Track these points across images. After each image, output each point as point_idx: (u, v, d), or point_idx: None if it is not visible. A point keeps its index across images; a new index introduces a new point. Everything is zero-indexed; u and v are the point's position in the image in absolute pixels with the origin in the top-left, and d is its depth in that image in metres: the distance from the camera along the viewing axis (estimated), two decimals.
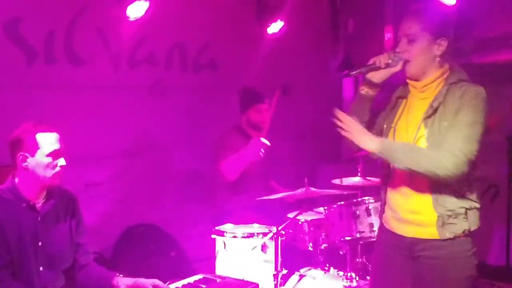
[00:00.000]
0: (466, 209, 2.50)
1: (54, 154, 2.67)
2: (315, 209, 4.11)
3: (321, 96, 6.20)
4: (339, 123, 2.49)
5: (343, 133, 2.49)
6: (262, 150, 4.01)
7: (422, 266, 2.57)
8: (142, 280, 2.75)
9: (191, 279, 2.82)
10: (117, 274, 2.84)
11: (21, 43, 4.02)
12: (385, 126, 2.68)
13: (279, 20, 5.20)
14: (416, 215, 2.56)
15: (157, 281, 2.72)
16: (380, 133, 2.67)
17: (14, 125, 2.73)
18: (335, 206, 3.77)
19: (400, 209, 2.63)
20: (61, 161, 2.70)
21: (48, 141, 2.65)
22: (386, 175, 2.71)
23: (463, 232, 2.49)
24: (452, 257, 2.51)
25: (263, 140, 4.02)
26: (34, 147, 2.64)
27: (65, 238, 2.83)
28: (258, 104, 4.36)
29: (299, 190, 3.60)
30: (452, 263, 2.51)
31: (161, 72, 4.91)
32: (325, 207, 3.83)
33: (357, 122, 2.51)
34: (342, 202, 3.79)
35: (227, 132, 4.44)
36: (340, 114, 2.50)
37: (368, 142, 2.47)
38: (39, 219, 2.71)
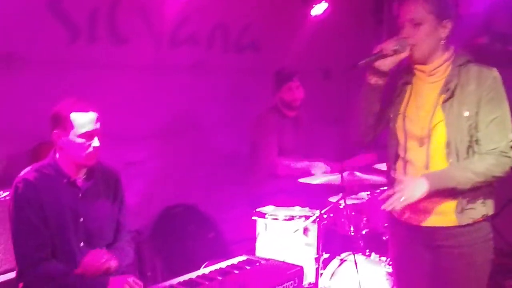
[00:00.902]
0: (484, 193, 2.46)
1: (87, 135, 2.62)
2: (357, 194, 4.05)
3: (363, 80, 6.08)
4: (391, 204, 2.41)
5: (398, 206, 2.41)
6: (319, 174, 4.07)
7: (442, 256, 2.52)
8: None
9: (234, 260, 2.79)
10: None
11: (64, 20, 4.03)
12: (391, 114, 2.62)
13: (323, 1, 5.11)
14: (434, 204, 2.48)
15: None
16: (387, 122, 2.62)
17: (54, 102, 2.70)
18: (378, 191, 3.70)
19: None
20: (95, 142, 2.65)
21: (82, 121, 2.61)
22: (393, 165, 2.64)
23: (482, 216, 2.47)
24: (473, 243, 2.48)
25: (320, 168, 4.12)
26: (68, 126, 2.60)
27: (106, 215, 2.81)
28: (288, 82, 4.37)
29: (344, 174, 3.53)
30: (473, 249, 2.48)
31: (202, 53, 4.88)
32: (368, 192, 3.76)
33: (397, 189, 2.44)
34: (386, 188, 3.71)
35: (264, 113, 4.44)
36: (384, 195, 2.47)
37: (419, 190, 2.38)
38: (80, 195, 2.70)
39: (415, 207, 2.49)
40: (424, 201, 2.45)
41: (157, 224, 4.60)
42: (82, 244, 2.69)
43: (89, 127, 2.62)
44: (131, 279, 2.53)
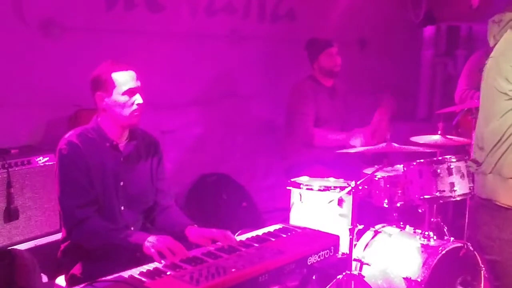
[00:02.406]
0: None
1: (130, 92, 2.64)
2: (392, 167, 4.02)
3: (399, 52, 5.99)
4: None
5: None
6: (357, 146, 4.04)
7: None
8: (214, 231, 2.68)
9: (270, 228, 2.80)
10: (192, 224, 2.80)
11: None
12: None
13: None
14: None
15: (228, 233, 2.68)
16: None
17: (92, 69, 2.72)
18: (415, 163, 3.66)
19: None
20: (138, 99, 2.67)
21: (123, 79, 2.63)
22: None
23: None
24: None
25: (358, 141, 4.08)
26: (110, 86, 2.63)
27: (146, 180, 2.84)
28: (328, 48, 4.36)
29: (381, 145, 3.50)
30: None
31: (239, 21, 4.85)
32: (404, 164, 3.72)
33: None
34: (422, 160, 3.67)
35: (301, 82, 4.43)
36: None
37: None
38: (121, 159, 2.74)
39: None
40: None
41: (192, 192, 4.65)
42: (122, 208, 2.73)
43: (131, 84, 2.65)
44: (163, 238, 2.49)
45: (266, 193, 4.84)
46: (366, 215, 3.90)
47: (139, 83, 2.69)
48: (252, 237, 2.67)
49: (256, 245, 2.53)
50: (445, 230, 3.79)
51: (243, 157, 4.95)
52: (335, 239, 2.72)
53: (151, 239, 2.45)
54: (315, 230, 2.87)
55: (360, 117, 4.88)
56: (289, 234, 2.73)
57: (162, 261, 2.34)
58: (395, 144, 3.49)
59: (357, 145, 4.07)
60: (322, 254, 2.60)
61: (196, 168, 4.69)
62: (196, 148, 4.65)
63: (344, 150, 3.77)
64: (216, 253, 2.41)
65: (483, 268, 3.42)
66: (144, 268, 2.25)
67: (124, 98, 2.64)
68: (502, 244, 2.34)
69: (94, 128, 2.72)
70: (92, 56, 3.81)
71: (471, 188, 3.60)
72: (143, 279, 2.14)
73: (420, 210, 3.70)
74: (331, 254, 2.66)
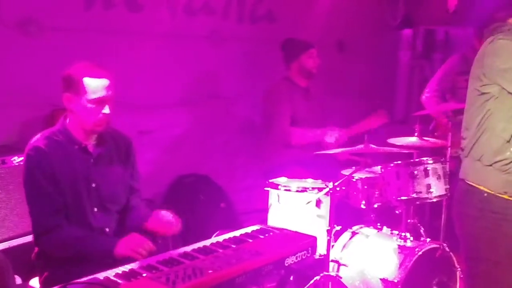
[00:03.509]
0: None
1: (98, 101, 2.59)
2: (369, 168, 4.05)
3: (377, 54, 6.04)
4: None
5: None
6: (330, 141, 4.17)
7: None
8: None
9: (248, 229, 2.80)
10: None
11: None
12: None
13: None
14: None
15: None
16: None
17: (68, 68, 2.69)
18: (392, 165, 3.69)
19: None
20: (106, 110, 2.62)
21: (94, 87, 2.58)
22: None
23: None
24: None
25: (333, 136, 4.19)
26: (80, 91, 2.58)
27: (118, 181, 2.82)
28: (310, 49, 4.40)
29: (359, 146, 3.52)
30: None
31: (218, 22, 4.84)
32: (382, 166, 3.75)
33: None
34: (399, 162, 3.70)
35: (276, 84, 4.45)
36: None
37: None
38: (91, 161, 2.71)
39: None
40: None
41: (169, 193, 4.63)
42: (96, 209, 2.71)
43: (100, 93, 2.59)
44: (134, 240, 2.51)
45: (244, 194, 4.83)
46: (344, 216, 3.92)
47: (110, 93, 2.63)
48: (230, 238, 2.65)
49: (234, 246, 2.52)
50: (421, 231, 3.84)
51: (222, 158, 4.94)
52: (313, 240, 2.72)
53: (122, 242, 2.46)
54: (292, 231, 2.86)
55: (338, 118, 4.90)
56: (266, 235, 2.72)
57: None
58: (373, 146, 3.50)
59: (332, 141, 4.10)
60: (299, 255, 2.59)
61: (175, 169, 4.67)
62: (175, 148, 4.62)
63: (323, 152, 3.79)
64: (193, 254, 2.40)
65: (459, 269, 3.47)
66: (120, 269, 2.23)
67: (91, 106, 2.60)
68: (466, 220, 2.66)
69: (61, 131, 2.68)
70: (69, 56, 3.74)
71: (447, 189, 3.65)
72: (119, 280, 2.12)
73: (397, 211, 3.73)
74: (308, 255, 2.66)
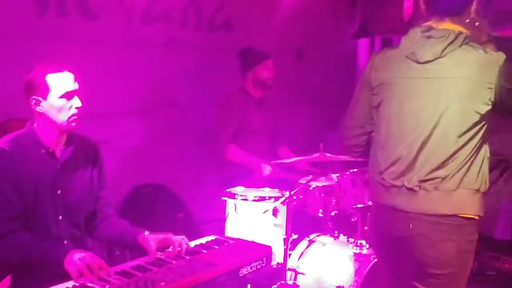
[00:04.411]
0: None
1: (67, 95, 2.53)
2: (327, 176, 4.08)
3: (336, 62, 6.10)
4: None
5: None
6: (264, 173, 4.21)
7: None
8: (171, 236, 2.66)
9: (203, 240, 2.79)
10: (145, 231, 2.73)
11: None
12: None
13: None
14: None
15: (185, 239, 2.66)
16: None
17: (22, 76, 2.61)
18: (348, 173, 3.73)
19: None
20: (76, 102, 2.56)
21: (59, 82, 2.52)
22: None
23: None
24: None
25: (267, 169, 4.20)
26: (45, 90, 2.51)
27: (85, 187, 2.74)
28: (266, 60, 4.41)
29: (314, 155, 3.55)
30: None
31: (176, 30, 4.81)
32: (338, 174, 3.78)
33: None
34: (355, 170, 3.75)
35: (230, 95, 4.45)
36: None
37: None
38: (58, 166, 2.62)
39: None
40: None
41: (126, 204, 4.55)
42: (61, 217, 2.63)
43: (68, 87, 2.54)
44: (84, 254, 2.41)
45: (203, 203, 4.79)
46: (303, 225, 3.94)
47: (77, 85, 2.58)
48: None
49: (187, 257, 2.50)
50: None
51: (180, 166, 4.90)
52: (268, 249, 2.73)
53: (72, 256, 2.37)
54: (248, 241, 2.87)
55: (297, 128, 4.94)
56: (221, 245, 2.71)
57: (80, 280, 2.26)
58: (328, 154, 3.53)
59: (266, 174, 4.20)
60: (254, 265, 2.59)
61: (132, 178, 4.61)
62: (132, 158, 4.56)
63: (279, 161, 3.81)
64: (146, 266, 2.37)
65: None
66: (70, 283, 2.19)
67: (61, 102, 2.53)
68: (462, 257, 2.44)
69: (28, 134, 2.60)
70: (23, 64, 3.67)
71: None
72: None
73: (353, 219, 3.77)
74: (263, 265, 2.66)
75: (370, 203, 3.61)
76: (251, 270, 2.57)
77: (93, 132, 4.23)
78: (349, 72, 6.26)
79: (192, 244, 2.71)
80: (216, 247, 2.68)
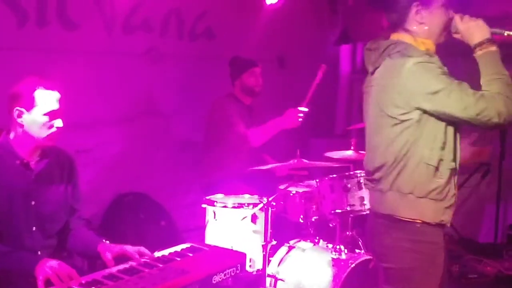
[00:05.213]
0: None
1: (52, 114, 2.58)
2: (307, 182, 4.10)
3: (317, 69, 6.12)
4: None
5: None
6: (300, 117, 4.19)
7: None
8: (128, 248, 2.68)
9: (178, 248, 2.78)
10: (104, 240, 2.78)
11: (12, 4, 3.93)
12: None
13: None
14: None
15: (142, 248, 2.69)
16: None
17: (3, 87, 2.64)
18: (326, 178, 3.75)
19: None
20: (58, 122, 2.61)
21: (47, 99, 2.56)
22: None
23: None
24: None
25: (300, 108, 4.18)
26: (31, 104, 2.55)
27: (59, 199, 2.76)
28: (252, 67, 4.45)
29: (291, 161, 3.57)
30: None
31: (157, 39, 4.84)
32: (317, 180, 3.81)
33: None
34: (334, 175, 3.77)
35: (222, 99, 4.45)
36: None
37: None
38: (32, 177, 2.64)
39: None
40: None
41: (108, 212, 4.56)
42: (34, 228, 2.64)
43: (54, 106, 2.58)
44: (55, 263, 2.43)
45: (186, 211, 4.81)
46: (284, 231, 3.96)
47: (60, 106, 2.62)
48: (158, 257, 2.64)
49: (160, 265, 2.49)
50: (360, 243, 3.89)
51: (162, 175, 4.91)
52: (242, 256, 2.72)
53: (42, 264, 2.38)
54: (222, 248, 2.87)
55: (278, 134, 4.93)
56: (196, 253, 2.71)
57: None
58: (305, 160, 3.56)
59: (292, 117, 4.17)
60: (228, 272, 2.59)
61: (114, 187, 4.62)
62: (114, 167, 4.57)
63: (258, 167, 3.83)
64: (117, 275, 2.37)
65: None
66: None
67: (45, 119, 2.57)
68: (399, 253, 2.49)
69: (2, 145, 2.62)
70: (2, 75, 3.72)
71: None
72: None
73: (331, 225, 3.78)
74: (237, 271, 2.66)
75: (348, 208, 3.64)
76: (224, 277, 2.57)
77: (74, 142, 4.28)
78: (331, 78, 6.29)
79: (167, 252, 2.72)
80: (190, 255, 2.67)
